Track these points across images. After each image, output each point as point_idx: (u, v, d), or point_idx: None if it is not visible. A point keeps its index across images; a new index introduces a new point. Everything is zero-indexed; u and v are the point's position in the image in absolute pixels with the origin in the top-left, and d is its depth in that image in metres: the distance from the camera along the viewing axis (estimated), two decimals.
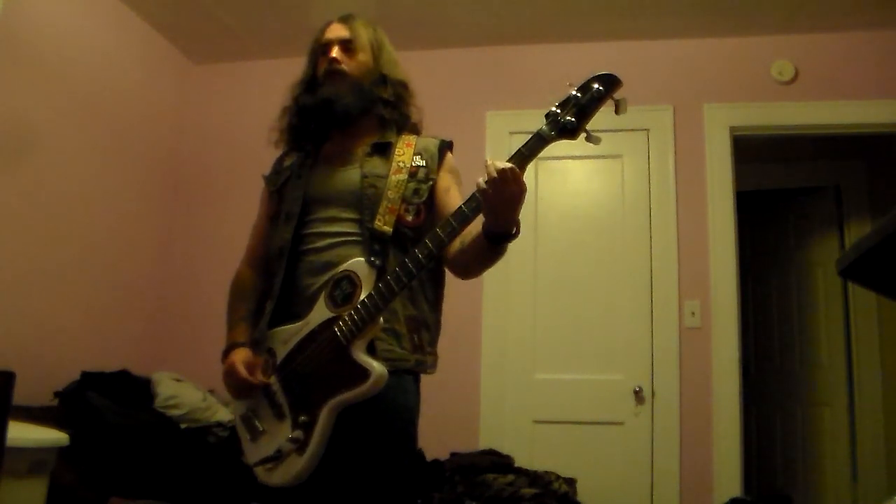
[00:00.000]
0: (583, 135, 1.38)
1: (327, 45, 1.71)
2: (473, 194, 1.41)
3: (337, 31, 1.73)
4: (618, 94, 1.37)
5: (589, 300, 3.37)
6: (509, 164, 1.35)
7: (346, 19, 1.75)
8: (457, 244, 1.52)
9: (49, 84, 2.96)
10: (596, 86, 1.36)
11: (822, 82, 3.37)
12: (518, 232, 1.44)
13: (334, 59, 1.68)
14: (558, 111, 1.38)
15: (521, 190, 1.36)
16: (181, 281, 3.72)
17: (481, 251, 1.48)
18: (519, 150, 1.40)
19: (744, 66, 3.45)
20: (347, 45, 1.70)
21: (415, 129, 1.76)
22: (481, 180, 1.35)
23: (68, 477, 2.37)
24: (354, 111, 1.66)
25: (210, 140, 3.87)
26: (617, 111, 1.37)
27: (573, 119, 1.36)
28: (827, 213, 4.35)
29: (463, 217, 1.41)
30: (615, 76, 1.36)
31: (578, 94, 1.37)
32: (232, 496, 2.49)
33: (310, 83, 1.73)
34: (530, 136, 1.42)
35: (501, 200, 1.36)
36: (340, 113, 1.66)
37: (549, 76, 3.58)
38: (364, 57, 1.71)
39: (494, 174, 1.33)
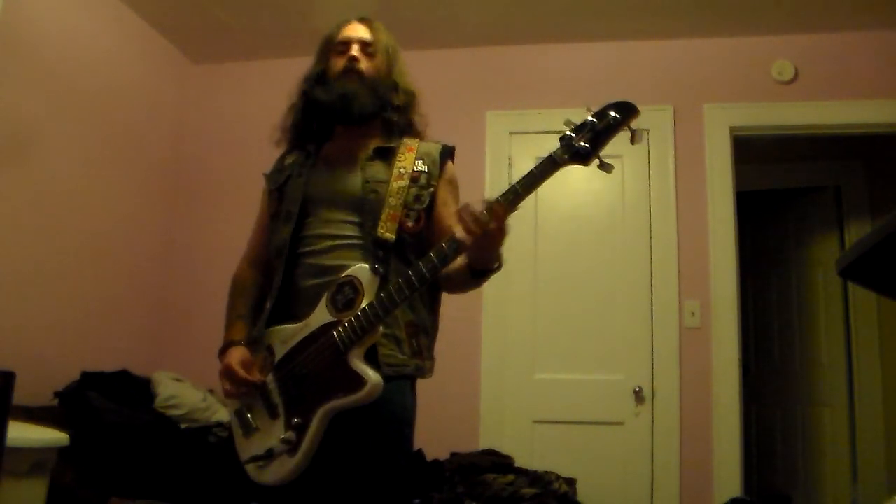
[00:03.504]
0: (595, 161, 1.38)
1: (346, 44, 1.71)
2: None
3: (358, 30, 1.73)
4: (634, 124, 1.37)
5: (589, 300, 3.37)
6: (492, 211, 1.34)
7: (366, 21, 1.75)
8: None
9: (49, 84, 2.96)
10: (612, 113, 1.36)
11: (822, 82, 3.37)
12: (500, 266, 1.48)
13: (354, 58, 1.68)
14: (573, 135, 1.37)
15: (504, 234, 1.38)
16: (181, 281, 3.72)
17: (464, 280, 1.52)
18: (531, 171, 1.39)
19: (744, 66, 3.45)
20: (367, 48, 1.71)
21: (417, 135, 1.76)
22: (459, 231, 1.37)
23: (68, 477, 2.37)
24: (369, 110, 1.67)
25: (210, 140, 3.87)
26: (632, 141, 1.37)
27: (587, 145, 1.36)
28: (827, 213, 4.35)
29: None
30: (633, 105, 1.36)
31: (595, 120, 1.36)
32: (232, 496, 2.48)
33: (321, 79, 1.72)
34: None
35: (484, 247, 1.39)
36: (356, 110, 1.66)
37: (549, 76, 3.59)
38: (380, 62, 1.71)
39: (476, 229, 1.34)
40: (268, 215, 1.76)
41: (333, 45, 1.73)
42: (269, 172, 1.81)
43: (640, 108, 1.37)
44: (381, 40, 1.72)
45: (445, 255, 1.42)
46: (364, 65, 1.69)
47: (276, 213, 1.71)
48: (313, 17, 3.33)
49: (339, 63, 1.70)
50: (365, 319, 1.44)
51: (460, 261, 1.48)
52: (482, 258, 1.44)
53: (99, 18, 3.27)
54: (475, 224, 1.34)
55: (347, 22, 1.75)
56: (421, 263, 1.44)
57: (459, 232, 1.37)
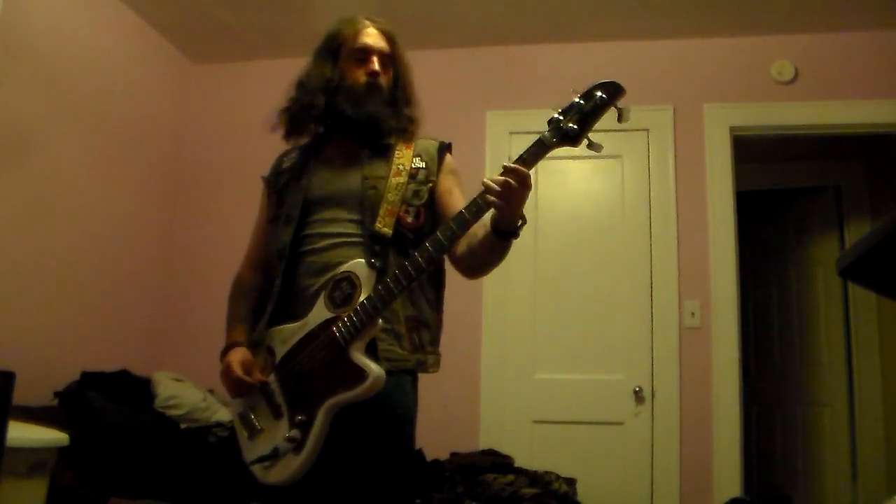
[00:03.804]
0: (584, 142, 1.39)
1: (367, 53, 1.68)
2: (475, 199, 1.42)
3: (377, 40, 1.70)
4: (621, 102, 1.38)
5: (589, 300, 3.37)
6: (510, 171, 1.37)
7: (381, 27, 1.73)
8: (464, 245, 1.53)
9: (49, 84, 2.96)
10: (599, 93, 1.37)
11: (822, 82, 3.37)
12: (525, 222, 1.47)
13: (376, 73, 1.67)
14: (560, 118, 1.39)
15: (528, 189, 1.39)
16: (181, 281, 3.72)
17: (492, 248, 1.51)
18: (521, 155, 1.41)
19: (744, 66, 3.45)
20: (384, 59, 1.70)
21: (412, 135, 1.75)
22: (489, 196, 1.38)
23: (68, 477, 2.37)
24: (392, 132, 1.68)
25: (210, 140, 3.87)
26: (620, 119, 1.38)
27: (575, 126, 1.37)
28: (827, 213, 4.35)
29: (463, 222, 1.43)
30: (618, 84, 1.37)
31: (581, 102, 1.38)
32: (232, 496, 2.49)
33: (339, 87, 1.68)
34: (532, 140, 1.42)
35: (513, 204, 1.39)
36: (383, 133, 1.67)
37: (549, 76, 3.59)
38: (393, 74, 1.72)
39: (497, 187, 1.36)
40: (267, 219, 1.76)
41: (350, 51, 1.70)
42: (267, 176, 1.80)
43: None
44: (398, 50, 1.72)
45: (442, 243, 1.43)
46: (383, 79, 1.69)
47: (276, 217, 1.71)
48: (313, 16, 3.32)
49: (358, 75, 1.68)
50: (364, 313, 1.45)
51: (481, 233, 1.49)
52: (508, 216, 1.43)
53: (99, 18, 3.27)
54: (498, 184, 1.36)
55: (362, 25, 1.72)
56: (417, 253, 1.45)
57: (489, 196, 1.38)
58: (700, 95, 3.46)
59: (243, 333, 1.67)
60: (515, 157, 1.41)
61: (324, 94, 1.69)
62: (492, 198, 1.38)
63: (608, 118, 1.41)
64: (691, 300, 3.27)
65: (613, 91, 1.37)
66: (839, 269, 1.25)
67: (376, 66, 1.68)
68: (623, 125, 1.41)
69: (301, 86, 1.74)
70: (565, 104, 1.39)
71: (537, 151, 1.40)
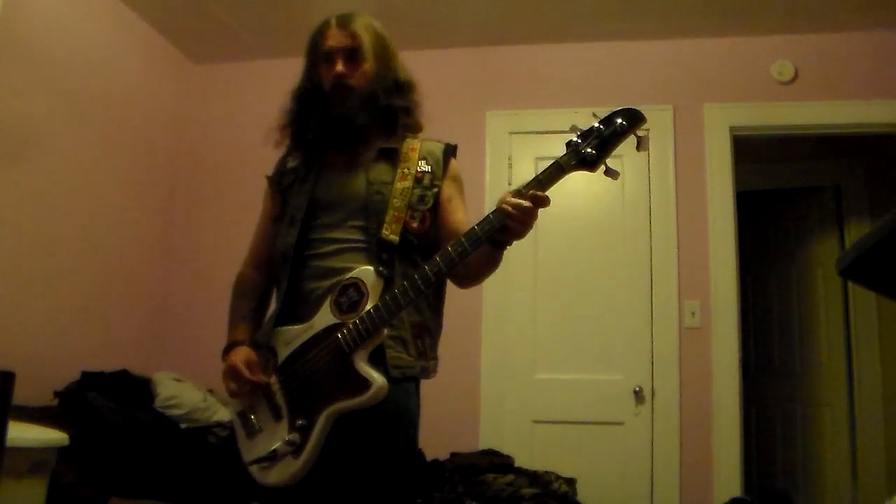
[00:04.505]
0: (601, 168, 1.39)
1: (331, 55, 1.66)
2: (488, 217, 1.41)
3: (339, 38, 1.66)
4: (640, 131, 1.39)
5: (589, 300, 3.37)
6: (528, 204, 1.38)
7: (345, 23, 1.67)
8: None
9: (49, 84, 2.96)
10: (619, 120, 1.37)
11: (822, 82, 3.37)
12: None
13: (341, 74, 1.63)
14: (579, 141, 1.39)
15: (536, 215, 1.41)
16: (181, 281, 3.72)
17: (487, 257, 1.51)
18: (536, 177, 1.41)
19: (744, 66, 3.45)
20: (351, 55, 1.65)
21: (417, 128, 1.74)
22: (510, 221, 1.38)
23: (68, 477, 2.37)
24: (367, 126, 1.64)
25: (210, 140, 3.87)
26: (639, 147, 1.39)
27: (594, 151, 1.37)
28: (827, 213, 4.35)
29: (476, 239, 1.42)
30: (639, 112, 1.38)
31: (602, 127, 1.38)
32: (232, 496, 2.49)
33: (315, 94, 1.68)
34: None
35: (527, 227, 1.41)
36: (354, 130, 1.64)
37: (549, 76, 3.59)
38: (368, 65, 1.66)
39: (515, 212, 1.37)
40: (270, 218, 1.76)
41: (320, 54, 1.68)
42: (272, 175, 1.79)
43: (639, 108, 1.38)
44: (363, 41, 1.66)
45: (453, 259, 1.42)
46: (353, 76, 1.64)
47: (280, 217, 1.70)
48: (313, 16, 3.30)
49: (328, 78, 1.66)
50: (370, 322, 1.44)
51: None
52: (517, 236, 1.43)
53: (99, 18, 3.27)
54: (520, 209, 1.37)
55: (328, 26, 1.69)
56: (427, 267, 1.44)
57: (509, 222, 1.39)
58: (700, 95, 3.46)
59: (246, 332, 1.66)
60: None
61: (302, 103, 1.69)
62: (512, 223, 1.38)
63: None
64: (691, 300, 3.27)
65: (634, 118, 1.37)
66: (839, 269, 1.25)
67: (340, 66, 1.64)
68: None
69: (290, 97, 1.74)
70: (585, 127, 1.39)
71: (554, 174, 1.40)
